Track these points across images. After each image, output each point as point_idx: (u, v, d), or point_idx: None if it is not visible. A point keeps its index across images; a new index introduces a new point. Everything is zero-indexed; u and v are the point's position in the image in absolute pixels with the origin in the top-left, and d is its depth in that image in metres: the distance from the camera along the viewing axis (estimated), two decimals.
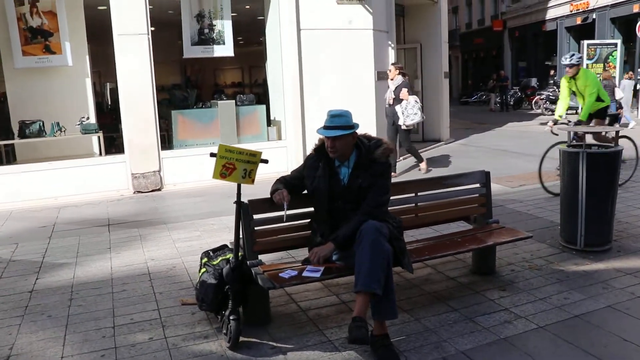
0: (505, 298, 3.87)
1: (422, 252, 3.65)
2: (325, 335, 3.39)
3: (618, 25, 20.78)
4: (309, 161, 3.54)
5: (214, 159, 3.36)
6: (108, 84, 12.16)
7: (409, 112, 8.17)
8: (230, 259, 3.40)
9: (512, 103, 24.10)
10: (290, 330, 3.48)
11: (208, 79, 11.81)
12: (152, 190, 7.74)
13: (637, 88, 19.04)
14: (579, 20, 22.77)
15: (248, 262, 3.42)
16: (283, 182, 3.59)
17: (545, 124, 7.34)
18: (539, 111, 21.67)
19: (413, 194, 4.03)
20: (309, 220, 3.69)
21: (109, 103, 11.96)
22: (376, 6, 8.98)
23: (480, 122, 18.61)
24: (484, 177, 4.29)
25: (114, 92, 9.76)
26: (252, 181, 3.41)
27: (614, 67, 17.15)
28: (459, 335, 3.35)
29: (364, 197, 3.37)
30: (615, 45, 17.32)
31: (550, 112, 20.54)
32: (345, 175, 3.42)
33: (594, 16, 21.43)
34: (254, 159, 3.38)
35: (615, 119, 11.08)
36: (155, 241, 5.51)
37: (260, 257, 3.65)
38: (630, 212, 5.89)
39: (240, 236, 3.47)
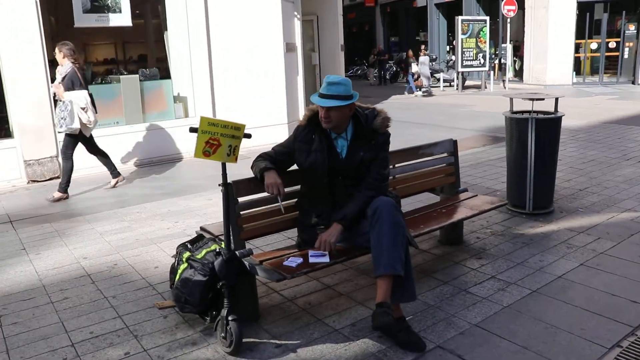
0: (486, 266, 3.86)
1: (417, 225, 3.47)
2: (329, 325, 3.10)
3: (482, 3, 22.24)
4: (299, 133, 3.16)
5: (195, 135, 2.84)
6: None
7: (59, 115, 5.80)
8: (217, 250, 2.96)
9: (388, 77, 24.92)
10: (287, 324, 3.14)
11: (94, 53, 10.53)
12: (51, 179, 6.73)
13: (502, 62, 20.72)
14: None
15: (237, 252, 3.00)
16: (268, 159, 3.17)
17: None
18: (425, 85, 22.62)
19: (391, 167, 3.83)
20: (295, 200, 3.33)
21: None
22: None
23: (365, 96, 18.92)
24: (452, 146, 4.22)
25: None
26: (236, 159, 2.96)
27: (485, 42, 18.34)
28: (464, 308, 3.25)
29: (364, 171, 3.09)
30: (485, 21, 18.50)
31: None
32: (344, 148, 3.11)
33: None
34: (238, 133, 2.92)
35: None
36: (78, 236, 4.76)
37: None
38: None
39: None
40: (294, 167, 3.28)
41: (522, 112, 4.97)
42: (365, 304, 3.34)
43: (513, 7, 17.75)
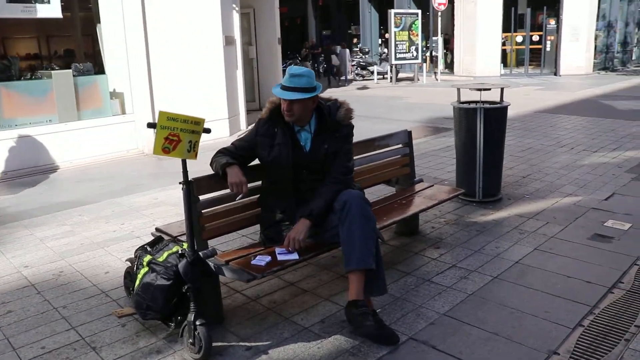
0: (445, 255, 3.90)
1: (379, 217, 3.44)
2: (298, 323, 3.02)
3: None
4: (261, 127, 3.05)
5: (153, 130, 2.67)
6: None
7: None
8: (180, 251, 2.82)
9: (322, 70, 24.97)
10: (254, 324, 3.03)
11: (17, 47, 9.74)
12: None
13: (434, 54, 21.23)
14: None
15: (201, 253, 2.86)
16: (228, 155, 3.04)
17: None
18: (350, 77, 22.80)
19: None
20: (257, 196, 3.22)
21: None
22: None
23: None
24: (407, 137, 4.24)
25: None
26: (196, 155, 2.82)
27: (417, 35, 18.70)
28: (430, 298, 3.26)
29: (329, 164, 3.03)
30: (417, 14, 18.86)
31: (361, 77, 21.81)
32: (307, 141, 3.03)
33: None
34: (197, 128, 2.78)
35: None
36: (15, 243, 4.41)
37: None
38: None
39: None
40: (255, 161, 3.17)
41: (468, 102, 5.07)
42: (331, 299, 3.29)
43: (444, 1, 18.19)
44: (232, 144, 3.14)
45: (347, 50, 20.03)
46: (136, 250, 2.98)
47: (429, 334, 2.88)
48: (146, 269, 2.82)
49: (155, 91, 7.78)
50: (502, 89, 5.06)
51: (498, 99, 5.01)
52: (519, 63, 20.27)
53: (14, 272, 3.86)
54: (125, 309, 3.05)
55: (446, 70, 21.53)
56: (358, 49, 24.86)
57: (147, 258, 2.83)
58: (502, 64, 19.53)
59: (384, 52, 22.79)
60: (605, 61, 20.86)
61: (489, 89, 4.98)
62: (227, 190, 3.11)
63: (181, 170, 2.75)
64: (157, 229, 3.37)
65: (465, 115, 4.92)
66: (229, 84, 8.85)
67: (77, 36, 9.75)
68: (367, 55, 23.44)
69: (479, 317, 3.02)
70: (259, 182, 3.24)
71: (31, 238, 4.53)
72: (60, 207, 5.38)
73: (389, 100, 14.01)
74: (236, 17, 9.13)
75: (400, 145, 4.24)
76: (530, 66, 19.85)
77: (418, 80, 19.19)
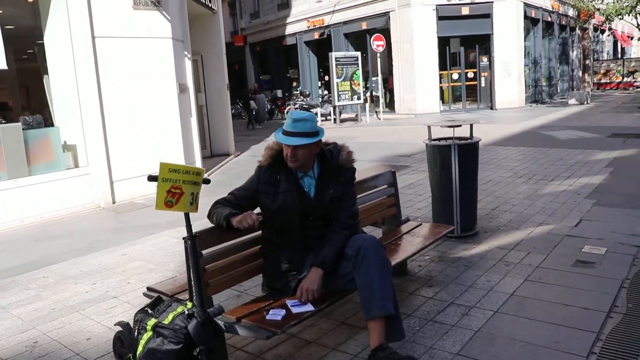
0: (440, 293, 3.87)
1: None
2: None
3: (351, 39, 23.37)
4: (263, 174, 2.96)
5: (154, 183, 2.53)
6: None
7: None
8: (188, 311, 2.63)
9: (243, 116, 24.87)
10: None
11: None
12: None
13: (374, 94, 21.81)
14: (316, 35, 24.85)
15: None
16: (228, 205, 2.92)
17: None
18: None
19: None
20: (259, 246, 3.10)
21: None
22: (172, 14, 8.26)
23: (246, 135, 18.78)
24: (392, 177, 4.25)
25: None
26: (196, 208, 2.69)
27: (358, 84, 19.02)
28: (438, 339, 3.21)
29: (333, 209, 2.96)
30: (357, 58, 19.10)
31: None
32: (311, 187, 2.96)
33: (330, 32, 23.67)
34: (198, 179, 2.67)
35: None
36: None
37: None
38: None
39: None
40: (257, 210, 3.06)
41: (439, 139, 5.18)
42: (339, 348, 3.16)
43: (382, 42, 18.84)
44: (230, 193, 3.02)
45: (263, 95, 21.39)
46: (136, 314, 2.76)
47: None
48: (150, 333, 2.62)
49: (110, 142, 7.50)
50: (471, 125, 5.20)
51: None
52: (456, 99, 21.14)
53: None
54: None
55: (387, 109, 22.11)
56: (298, 92, 25.20)
57: (152, 321, 2.63)
58: (440, 101, 20.29)
59: (325, 94, 23.17)
60: (535, 94, 22.14)
61: (460, 126, 5.10)
62: (227, 243, 2.99)
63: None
64: (150, 289, 3.17)
65: (440, 152, 5.01)
66: (184, 132, 8.68)
67: (19, 88, 9.35)
68: (308, 98, 23.76)
69: (494, 354, 2.99)
70: (259, 232, 3.12)
71: None
72: (20, 269, 4.99)
73: (339, 141, 14.10)
74: (188, 65, 9.04)
75: (385, 186, 4.23)
76: (467, 101, 20.74)
77: (361, 120, 19.55)
